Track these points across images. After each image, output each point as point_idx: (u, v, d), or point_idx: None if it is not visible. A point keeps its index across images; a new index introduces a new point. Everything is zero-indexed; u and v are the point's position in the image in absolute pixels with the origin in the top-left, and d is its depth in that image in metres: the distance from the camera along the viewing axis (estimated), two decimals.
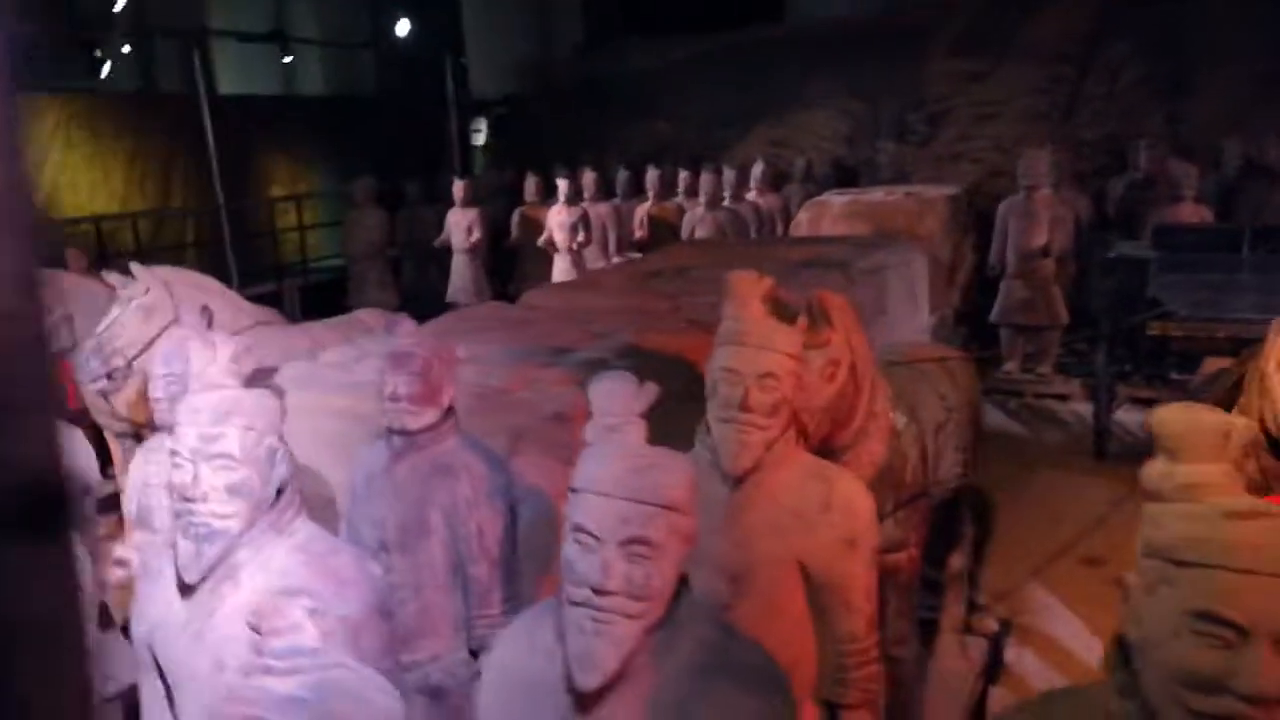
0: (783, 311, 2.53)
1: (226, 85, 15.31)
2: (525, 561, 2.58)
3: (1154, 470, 2.46)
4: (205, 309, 3.35)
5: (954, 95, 10.69)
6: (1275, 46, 9.35)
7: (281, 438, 1.81)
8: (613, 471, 1.40)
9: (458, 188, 9.54)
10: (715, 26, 13.08)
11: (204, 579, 1.68)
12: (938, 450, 3.08)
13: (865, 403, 2.69)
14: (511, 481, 2.45)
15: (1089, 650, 3.94)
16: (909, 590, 2.95)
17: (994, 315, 7.68)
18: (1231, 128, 9.14)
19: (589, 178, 9.71)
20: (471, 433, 2.59)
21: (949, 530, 3.73)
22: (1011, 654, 3.99)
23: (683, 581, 1.46)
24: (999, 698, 3.71)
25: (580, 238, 9.12)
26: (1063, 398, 7.20)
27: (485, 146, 14.71)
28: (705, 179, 8.79)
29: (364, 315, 4.66)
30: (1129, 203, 7.82)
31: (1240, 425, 2.36)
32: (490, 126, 14.73)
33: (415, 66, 16.12)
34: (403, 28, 17.53)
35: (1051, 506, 5.29)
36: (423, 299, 9.51)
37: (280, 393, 2.43)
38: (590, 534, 1.37)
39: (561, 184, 9.16)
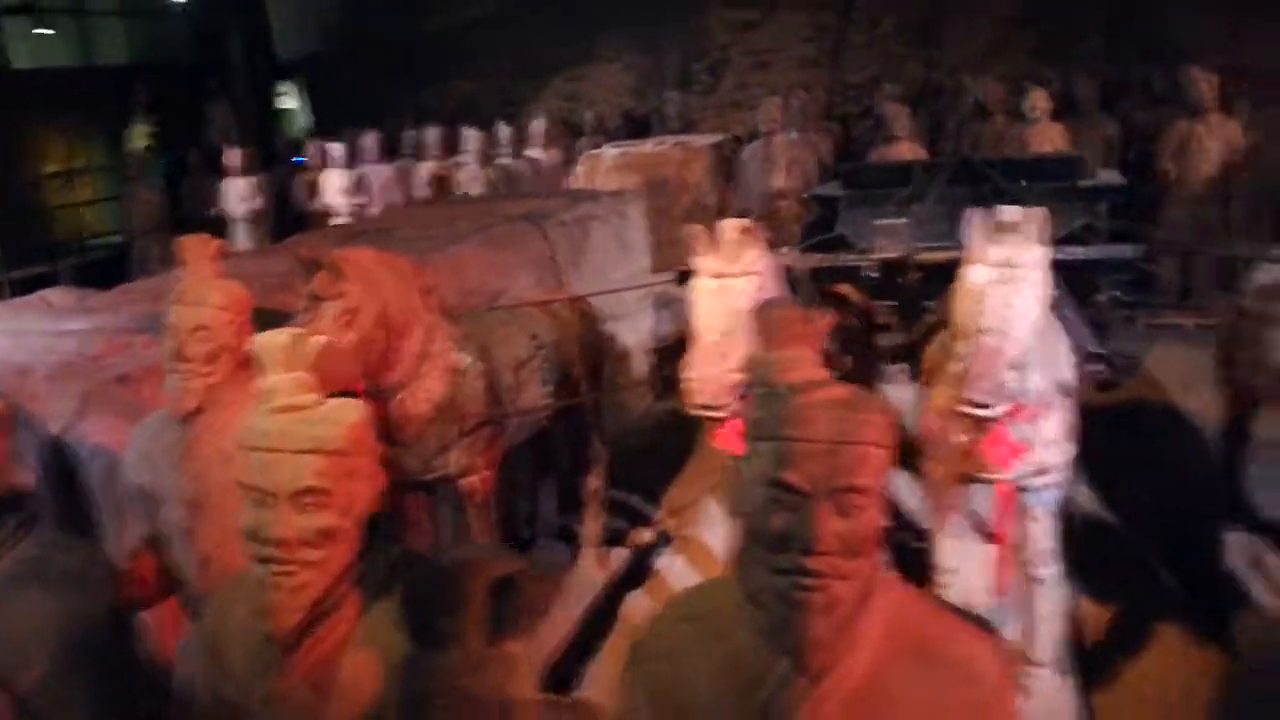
0: (311, 268, 2.83)
1: (26, 60, 14.59)
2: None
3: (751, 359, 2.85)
4: None
5: (732, 44, 11.11)
6: None
7: None
8: None
9: (232, 155, 9.46)
10: None
11: None
12: (518, 384, 3.42)
13: (414, 346, 2.99)
14: None
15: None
16: (486, 508, 3.29)
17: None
18: (976, 70, 9.81)
19: (370, 139, 9.76)
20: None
21: (582, 455, 4.12)
22: (663, 562, 4.40)
23: None
24: (641, 603, 4.12)
25: (358, 200, 9.21)
26: None
27: (293, 111, 14.47)
28: (472, 136, 8.95)
29: (51, 294, 4.72)
30: (863, 145, 8.38)
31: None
32: (300, 90, 14.47)
33: (219, 32, 15.60)
34: None
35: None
36: None
37: None
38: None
39: (334, 147, 9.21)
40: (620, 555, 4.23)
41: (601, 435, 4.10)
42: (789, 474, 1.23)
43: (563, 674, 3.55)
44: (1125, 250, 3.22)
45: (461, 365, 3.17)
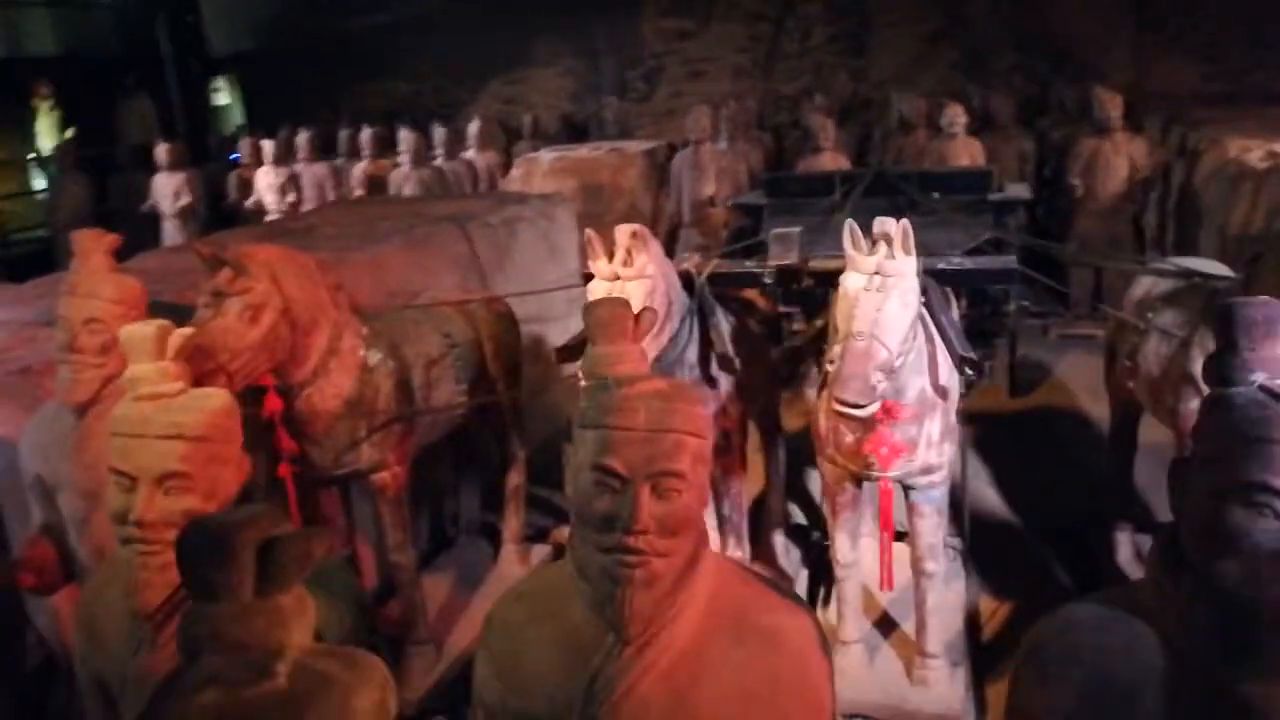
0: (213, 264, 2.86)
1: None
2: None
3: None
4: None
5: (667, 53, 11.26)
6: (939, 7, 10.35)
7: None
8: None
9: (161, 150, 9.34)
10: None
11: None
12: (430, 382, 3.47)
13: (321, 342, 3.04)
14: None
15: None
16: (398, 504, 3.34)
17: (675, 261, 8.27)
18: (902, 83, 10.09)
19: (303, 137, 9.71)
20: None
21: (503, 452, 4.19)
22: None
23: None
24: None
25: (290, 198, 9.16)
26: None
27: (227, 107, 14.29)
28: (406, 137, 8.96)
29: None
30: (791, 155, 8.57)
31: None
32: (233, 85, 14.31)
33: (148, 25, 15.32)
34: None
35: None
36: None
37: None
38: None
39: (266, 145, 9.16)
40: (541, 552, 4.31)
41: (521, 434, 4.17)
42: (610, 459, 1.32)
43: None
44: (1005, 261, 3.38)
45: (370, 362, 3.22)
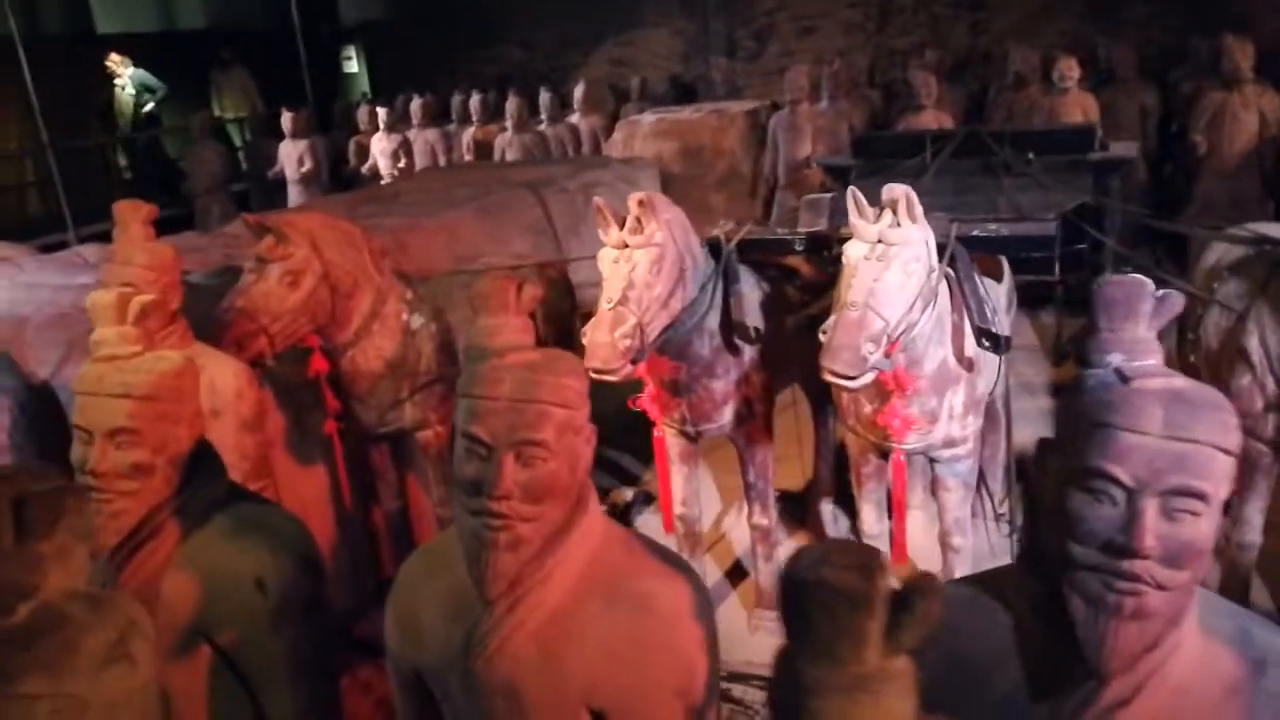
0: (259, 232, 3.06)
1: (106, 25, 15.31)
2: None
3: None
4: None
5: (777, 10, 11.02)
6: None
7: None
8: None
9: (287, 119, 9.84)
10: None
11: None
12: None
13: (364, 307, 3.21)
14: None
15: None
16: (441, 460, 3.51)
17: (772, 222, 8.18)
18: (1024, 36, 9.59)
19: (416, 104, 10.03)
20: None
21: None
22: (639, 520, 4.60)
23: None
24: None
25: (402, 164, 9.51)
26: None
27: (354, 75, 14.88)
28: (511, 103, 9.14)
29: (86, 250, 5.10)
30: (896, 113, 8.29)
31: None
32: (360, 54, 14.87)
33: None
34: None
35: None
36: None
37: None
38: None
39: (381, 111, 9.51)
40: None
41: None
42: (476, 427, 1.39)
43: None
44: (1042, 227, 3.22)
45: (413, 326, 3.38)
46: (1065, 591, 1.15)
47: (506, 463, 1.37)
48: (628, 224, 2.72)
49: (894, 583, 1.06)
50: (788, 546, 3.88)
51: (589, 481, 1.50)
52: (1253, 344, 2.88)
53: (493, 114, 10.05)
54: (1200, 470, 1.10)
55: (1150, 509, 1.10)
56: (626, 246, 2.71)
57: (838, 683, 1.02)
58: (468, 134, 9.97)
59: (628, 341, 2.59)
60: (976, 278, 2.95)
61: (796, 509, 4.37)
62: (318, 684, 1.78)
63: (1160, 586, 1.11)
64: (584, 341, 2.64)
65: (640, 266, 2.67)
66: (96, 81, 12.37)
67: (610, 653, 1.38)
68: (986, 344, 2.77)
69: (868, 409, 2.87)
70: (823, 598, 1.02)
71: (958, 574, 3.12)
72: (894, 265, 2.46)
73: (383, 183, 9.34)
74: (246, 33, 15.76)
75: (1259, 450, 2.93)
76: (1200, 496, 1.10)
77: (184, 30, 16.45)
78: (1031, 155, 5.35)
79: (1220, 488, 1.12)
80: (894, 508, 3.04)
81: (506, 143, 9.12)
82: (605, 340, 2.58)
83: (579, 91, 10.07)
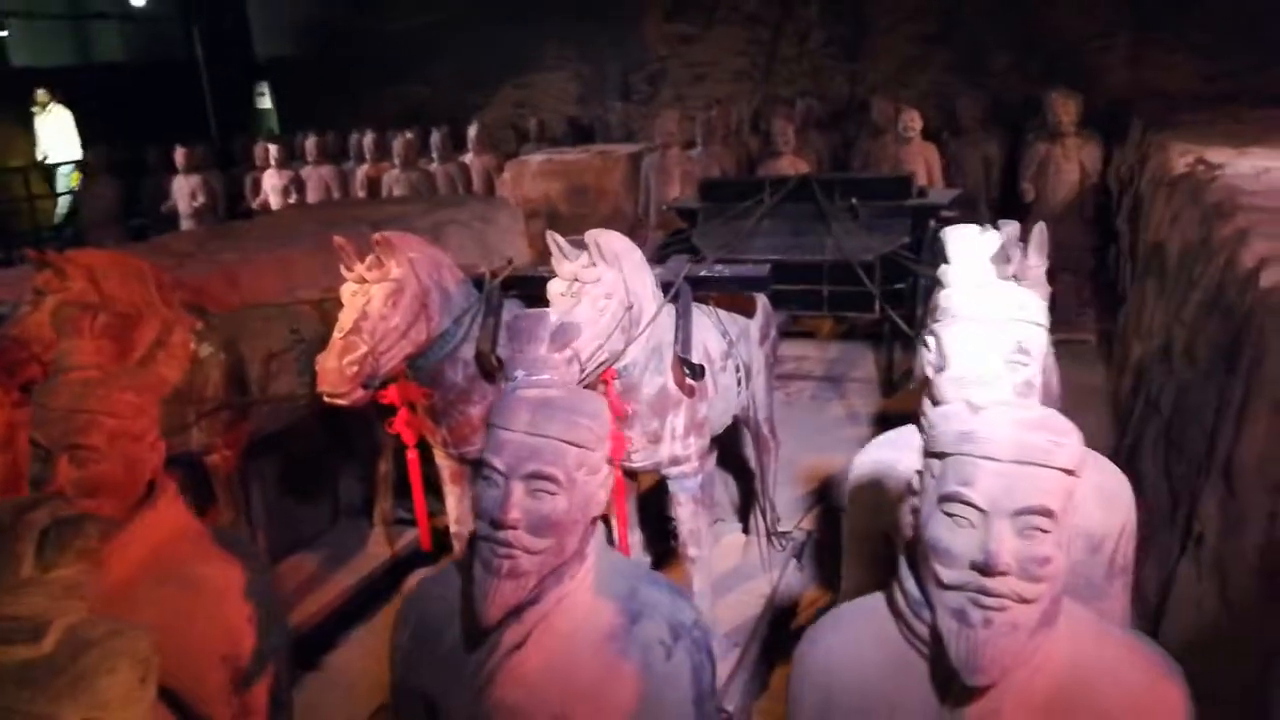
0: (39, 265, 3.26)
1: (20, 58, 15.36)
2: None
3: None
4: None
5: (671, 56, 11.49)
6: (935, 9, 10.33)
7: None
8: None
9: (179, 154, 9.99)
10: None
11: None
12: (269, 374, 3.83)
13: (149, 335, 3.42)
14: None
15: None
16: (229, 483, 3.72)
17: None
18: (895, 89, 10.13)
19: (310, 141, 10.26)
20: None
21: (371, 440, 4.53)
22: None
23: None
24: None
25: (293, 199, 9.72)
26: None
27: (265, 111, 15.06)
28: (398, 141, 9.41)
29: None
30: (757, 161, 8.72)
31: None
32: (271, 89, 15.07)
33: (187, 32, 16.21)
34: None
35: None
36: None
37: None
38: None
39: (272, 148, 9.73)
40: (410, 535, 4.63)
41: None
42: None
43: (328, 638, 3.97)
44: (758, 269, 3.54)
45: (202, 354, 3.59)
46: None
47: (62, 464, 1.60)
48: (368, 260, 2.98)
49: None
50: None
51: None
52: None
53: (387, 152, 10.31)
54: None
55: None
56: (364, 281, 2.97)
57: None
58: (360, 171, 10.21)
59: (355, 368, 2.83)
60: (699, 313, 3.26)
61: None
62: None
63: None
64: (315, 369, 2.88)
65: (375, 300, 2.92)
66: (12, 114, 12.42)
67: (159, 626, 1.60)
68: (687, 371, 3.06)
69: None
70: None
71: (697, 583, 3.40)
72: (584, 301, 2.75)
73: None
74: (164, 64, 15.90)
75: None
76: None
77: (100, 63, 16.56)
78: (854, 201, 5.73)
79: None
80: (618, 521, 3.31)
81: (394, 180, 9.38)
82: (334, 366, 2.82)
83: (472, 131, 10.38)
